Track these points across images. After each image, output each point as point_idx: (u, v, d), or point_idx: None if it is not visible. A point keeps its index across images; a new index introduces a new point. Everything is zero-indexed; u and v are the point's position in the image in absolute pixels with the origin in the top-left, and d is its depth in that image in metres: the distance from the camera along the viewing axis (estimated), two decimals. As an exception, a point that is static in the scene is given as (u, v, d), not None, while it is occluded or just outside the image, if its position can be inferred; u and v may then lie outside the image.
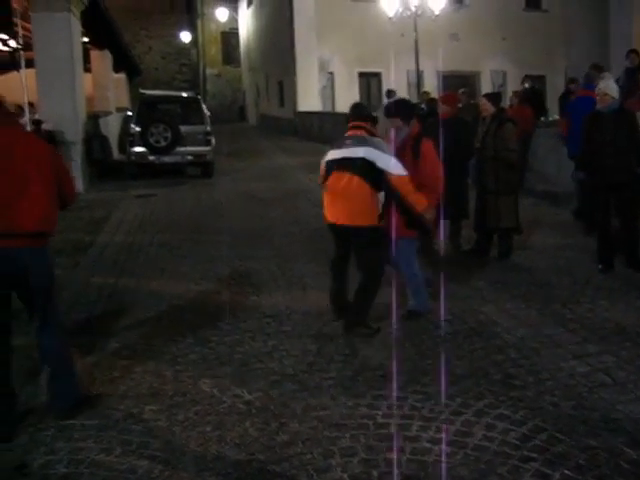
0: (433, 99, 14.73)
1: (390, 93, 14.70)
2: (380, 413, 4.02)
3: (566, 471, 3.33)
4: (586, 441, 3.62)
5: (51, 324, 4.14)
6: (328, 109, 24.94)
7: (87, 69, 17.25)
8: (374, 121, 5.56)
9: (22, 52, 13.89)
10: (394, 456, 3.52)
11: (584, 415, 3.92)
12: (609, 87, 6.91)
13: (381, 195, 5.32)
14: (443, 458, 3.50)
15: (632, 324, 5.40)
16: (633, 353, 4.82)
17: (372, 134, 5.40)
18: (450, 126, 7.76)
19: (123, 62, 23.80)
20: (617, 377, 4.44)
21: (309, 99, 24.97)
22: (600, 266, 6.91)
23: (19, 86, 13.62)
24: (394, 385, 4.36)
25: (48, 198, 4.07)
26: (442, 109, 8.07)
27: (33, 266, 4.02)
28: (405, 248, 5.56)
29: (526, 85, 13.90)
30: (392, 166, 5.13)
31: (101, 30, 17.53)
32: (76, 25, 14.31)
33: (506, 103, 13.85)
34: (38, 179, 3.97)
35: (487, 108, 7.47)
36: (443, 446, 3.60)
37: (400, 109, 5.66)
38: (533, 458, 3.47)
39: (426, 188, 5.36)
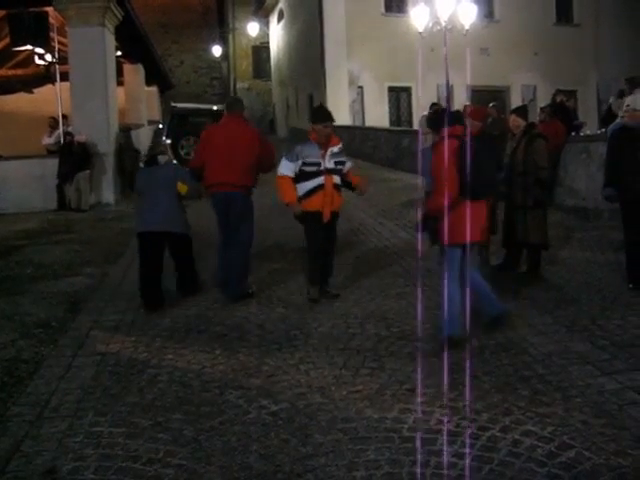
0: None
1: (434, 106, 14.74)
2: (406, 427, 4.01)
3: (594, 489, 3.30)
4: (615, 459, 3.58)
5: (242, 240, 6.94)
6: (358, 123, 24.96)
7: (120, 82, 17.49)
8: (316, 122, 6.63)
9: (57, 66, 14.19)
10: (418, 470, 3.52)
11: (613, 433, 3.87)
12: (638, 102, 6.85)
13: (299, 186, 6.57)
14: (468, 473, 3.48)
15: (662, 342, 5.33)
16: (663, 371, 4.75)
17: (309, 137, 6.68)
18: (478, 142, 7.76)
19: (155, 75, 24.13)
20: (647, 395, 4.38)
21: (339, 113, 24.85)
22: (630, 285, 6.81)
23: (54, 99, 13.90)
24: (420, 399, 4.36)
25: (253, 165, 6.94)
26: (471, 124, 8.04)
27: (241, 203, 6.94)
28: (446, 256, 5.53)
29: (561, 97, 13.78)
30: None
31: (134, 44, 17.82)
32: (110, 39, 14.56)
33: (535, 118, 13.78)
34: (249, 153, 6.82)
35: (518, 124, 7.45)
36: (468, 461, 3.59)
37: (430, 122, 5.90)
38: (560, 475, 3.43)
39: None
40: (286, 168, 6.60)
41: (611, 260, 7.99)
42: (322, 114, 6.75)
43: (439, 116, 5.85)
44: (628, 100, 7.00)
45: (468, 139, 5.35)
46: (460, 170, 5.26)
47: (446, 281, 5.44)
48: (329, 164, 6.56)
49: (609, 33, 23.46)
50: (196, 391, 4.66)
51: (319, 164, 6.52)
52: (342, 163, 6.72)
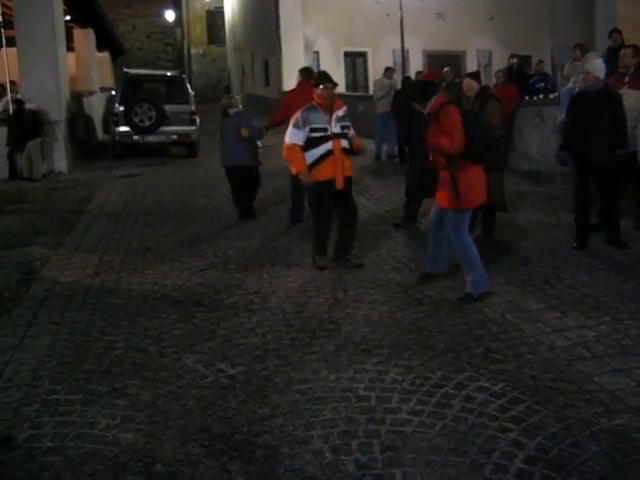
0: (408, 77, 14.80)
1: (388, 71, 14.72)
2: (361, 386, 4.08)
3: (542, 440, 3.41)
4: (563, 412, 3.70)
5: None
6: (314, 89, 24.86)
7: (70, 48, 17.08)
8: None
9: (3, 30, 13.75)
10: (374, 427, 3.59)
11: (562, 387, 4.00)
12: (593, 66, 6.94)
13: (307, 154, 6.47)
14: (422, 429, 3.57)
15: (611, 300, 5.48)
16: (611, 328, 4.90)
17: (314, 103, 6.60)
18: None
19: (106, 41, 23.59)
20: (595, 351, 4.51)
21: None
22: (575, 244, 7.00)
23: (0, 65, 13.50)
24: (375, 359, 4.43)
25: None
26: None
27: None
28: (451, 219, 5.69)
29: (514, 60, 13.87)
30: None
31: (83, 8, 17.35)
32: (58, 3, 14.17)
33: (491, 82, 13.88)
34: None
35: (472, 87, 7.49)
36: (422, 417, 3.68)
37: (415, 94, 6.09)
38: (510, 429, 3.54)
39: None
40: (295, 136, 6.45)
41: (563, 222, 8.14)
42: (323, 76, 6.68)
43: (428, 87, 6.17)
44: (585, 64, 7.07)
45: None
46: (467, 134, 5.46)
47: (463, 243, 5.66)
48: (336, 128, 6.48)
49: (563, 0, 23.57)
50: (153, 357, 4.65)
51: (326, 129, 6.43)
52: (347, 127, 6.65)
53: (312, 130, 6.41)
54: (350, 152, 6.70)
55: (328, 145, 6.42)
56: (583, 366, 4.28)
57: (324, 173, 6.44)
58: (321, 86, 6.50)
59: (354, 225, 6.85)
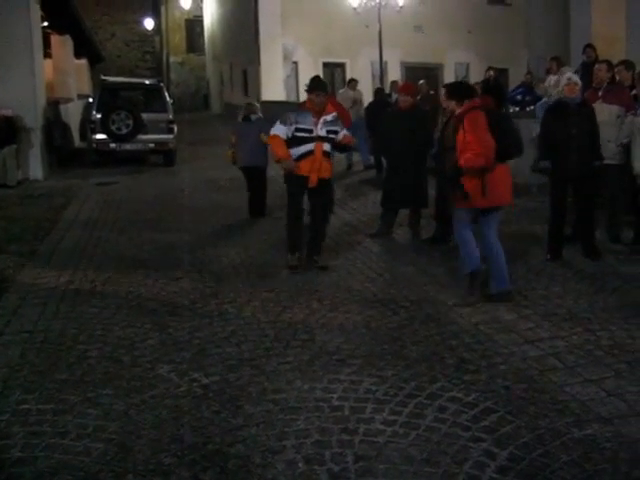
0: (381, 89, 14.90)
1: (351, 82, 14.85)
2: (335, 396, 4.08)
3: (514, 450, 3.43)
4: (534, 422, 3.73)
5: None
6: (292, 99, 24.87)
7: (47, 54, 16.93)
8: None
9: (-21, 36, 13.62)
10: (347, 437, 3.59)
11: (534, 397, 4.03)
12: (577, 78, 7.06)
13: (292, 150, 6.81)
14: (395, 439, 3.58)
15: (583, 310, 5.55)
16: (583, 338, 4.95)
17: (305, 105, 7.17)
18: (410, 116, 7.88)
19: (85, 48, 23.43)
20: (567, 361, 4.56)
21: (273, 88, 24.84)
22: (548, 255, 7.07)
23: (-24, 70, 13.35)
24: (350, 369, 4.44)
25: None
26: (401, 99, 8.15)
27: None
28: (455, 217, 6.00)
29: (491, 72, 14.01)
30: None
31: (62, 14, 17.24)
32: (35, 9, 14.07)
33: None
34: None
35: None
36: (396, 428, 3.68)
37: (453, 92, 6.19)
38: (482, 438, 3.56)
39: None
40: (279, 130, 6.87)
41: (538, 233, 8.21)
42: (315, 84, 7.11)
43: (465, 88, 6.29)
44: (569, 74, 7.18)
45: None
46: (495, 136, 5.67)
47: (491, 239, 5.95)
48: (321, 132, 6.86)
49: (539, 14, 23.86)
50: (126, 366, 4.62)
51: (311, 131, 6.82)
52: (335, 132, 6.99)
53: (297, 130, 6.80)
54: (342, 149, 7.32)
55: (310, 146, 6.80)
56: (555, 376, 4.32)
57: (301, 169, 6.81)
58: (314, 93, 6.90)
59: (324, 226, 7.26)
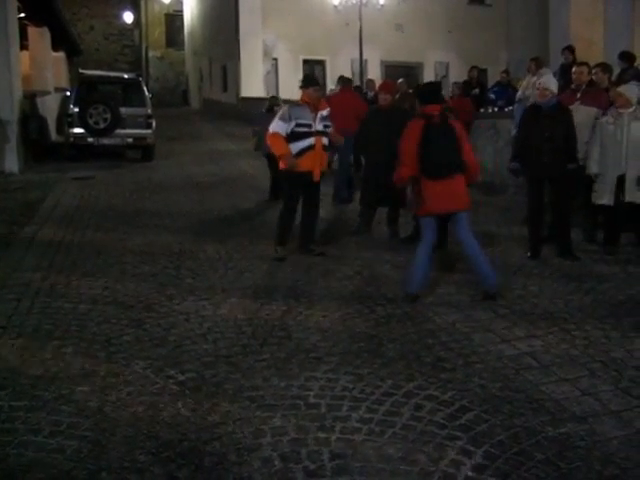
0: (358, 87, 14.92)
1: (342, 79, 14.87)
2: (312, 394, 4.07)
3: (489, 448, 3.45)
4: (510, 420, 3.75)
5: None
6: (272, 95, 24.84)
7: (24, 46, 16.72)
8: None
9: (-46, 26, 13.43)
10: (323, 435, 3.59)
11: (509, 396, 4.05)
12: (549, 82, 7.10)
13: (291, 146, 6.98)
14: (371, 437, 3.58)
15: (559, 310, 5.59)
16: (559, 338, 4.99)
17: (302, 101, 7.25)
18: (389, 115, 7.89)
19: (62, 40, 23.17)
20: (543, 360, 4.59)
21: (253, 85, 24.80)
22: (529, 253, 7.15)
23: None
24: (326, 367, 4.44)
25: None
26: (381, 98, 8.16)
27: None
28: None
29: (475, 72, 14.05)
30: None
31: (39, 5, 17.02)
32: (11, -1, 13.89)
33: (447, 94, 14.05)
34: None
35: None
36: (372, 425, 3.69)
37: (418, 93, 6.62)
38: (458, 437, 3.57)
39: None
40: (279, 127, 7.01)
41: (515, 233, 8.29)
42: (311, 79, 7.46)
43: (427, 92, 6.33)
44: (541, 79, 7.25)
45: (438, 120, 5.79)
46: (422, 150, 5.68)
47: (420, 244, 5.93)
48: (319, 126, 7.07)
49: (519, 14, 24.03)
50: (102, 362, 4.58)
51: (310, 125, 7.01)
52: (328, 127, 7.23)
53: (297, 125, 6.97)
54: (329, 147, 7.36)
55: (311, 140, 6.99)
56: (531, 375, 4.35)
57: (303, 165, 6.97)
58: (312, 88, 7.13)
59: (317, 214, 7.45)
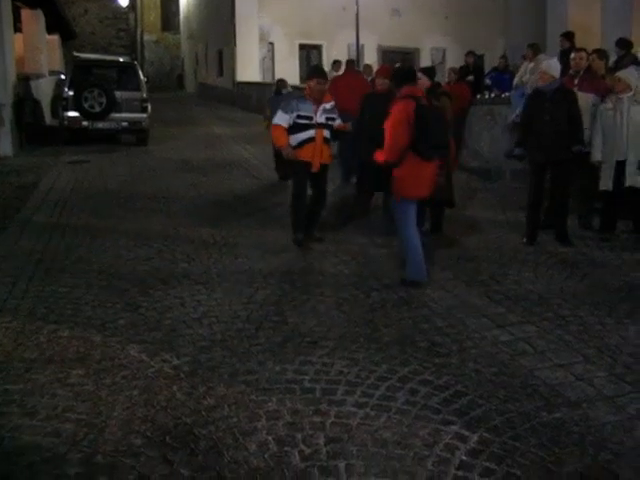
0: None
1: (336, 63, 14.83)
2: (307, 378, 4.07)
3: (484, 433, 3.46)
4: (505, 405, 3.76)
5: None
6: (268, 80, 24.71)
7: (18, 29, 16.59)
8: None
9: (-53, 8, 13.31)
10: (319, 419, 3.59)
11: (504, 381, 4.07)
12: (550, 66, 7.09)
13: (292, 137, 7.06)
14: (366, 421, 3.59)
15: (554, 296, 5.61)
16: (553, 323, 5.00)
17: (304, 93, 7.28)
18: (387, 99, 7.83)
19: (57, 23, 23.00)
20: (537, 346, 4.60)
21: (248, 69, 24.68)
22: (525, 239, 7.16)
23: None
24: (322, 351, 4.44)
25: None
26: (379, 82, 8.11)
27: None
28: (397, 209, 5.94)
29: (471, 57, 13.98)
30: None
31: (33, -12, 16.89)
32: (6, -19, 13.77)
33: (444, 79, 14.01)
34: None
35: (423, 82, 7.52)
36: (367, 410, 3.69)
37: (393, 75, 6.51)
38: (453, 421, 3.58)
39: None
40: (281, 119, 7.10)
41: (511, 219, 8.29)
42: (316, 71, 7.52)
43: (403, 73, 6.26)
44: (542, 64, 7.26)
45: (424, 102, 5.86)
46: (416, 131, 5.66)
47: (401, 229, 5.90)
48: (320, 119, 7.11)
49: (517, 0, 23.92)
50: (97, 346, 4.57)
51: (311, 118, 7.06)
52: (333, 119, 7.24)
53: (298, 117, 7.03)
54: (333, 139, 7.40)
55: (311, 132, 7.04)
56: (525, 361, 4.36)
57: (303, 155, 7.06)
58: (314, 80, 7.11)
59: (322, 204, 7.48)
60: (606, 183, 7.20)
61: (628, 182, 7.05)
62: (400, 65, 7.01)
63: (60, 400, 3.83)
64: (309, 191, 7.34)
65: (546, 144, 6.90)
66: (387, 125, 5.83)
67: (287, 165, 7.51)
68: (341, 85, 10.54)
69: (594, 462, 3.24)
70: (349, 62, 12.35)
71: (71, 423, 3.58)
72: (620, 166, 7.08)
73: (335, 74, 14.46)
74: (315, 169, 7.11)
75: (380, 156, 5.88)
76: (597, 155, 7.21)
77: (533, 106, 7.09)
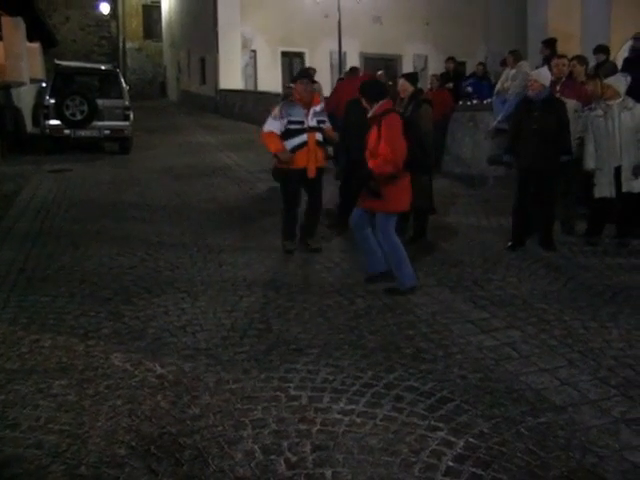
0: (341, 78, 15.02)
1: (308, 70, 14.84)
2: (292, 386, 4.06)
3: (470, 439, 3.46)
4: (490, 410, 3.76)
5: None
6: (250, 88, 24.69)
7: (-2, 37, 16.48)
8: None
9: None
10: (304, 427, 3.58)
11: (490, 386, 4.07)
12: (540, 75, 7.14)
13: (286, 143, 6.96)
14: (352, 428, 3.57)
15: (538, 301, 5.63)
16: (538, 328, 5.02)
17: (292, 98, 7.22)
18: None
19: (38, 31, 22.87)
20: (522, 351, 4.62)
21: (231, 77, 24.64)
22: (510, 243, 7.18)
23: None
24: (307, 358, 4.42)
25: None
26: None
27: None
28: (381, 222, 5.85)
29: (451, 64, 14.00)
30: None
31: (13, -5, 16.76)
32: (-14, -11, 13.65)
33: (426, 86, 14.06)
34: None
35: (406, 88, 7.55)
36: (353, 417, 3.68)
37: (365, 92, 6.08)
38: (439, 427, 3.58)
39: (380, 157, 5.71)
40: (272, 125, 7.03)
41: (494, 225, 8.33)
42: (302, 72, 7.70)
43: (377, 88, 6.10)
44: (533, 72, 7.31)
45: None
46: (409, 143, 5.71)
47: (388, 241, 5.83)
48: (312, 122, 7.06)
49: (498, 7, 24.10)
50: (80, 356, 4.53)
51: (303, 122, 7.00)
52: (323, 122, 7.20)
53: (290, 122, 6.98)
54: (324, 143, 7.27)
55: (304, 137, 6.97)
56: (510, 366, 4.37)
57: (298, 162, 6.96)
58: (300, 81, 7.11)
59: (320, 211, 7.38)
60: (604, 190, 7.19)
61: (624, 188, 7.09)
62: (367, 80, 6.94)
63: (43, 411, 3.79)
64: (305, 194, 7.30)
65: (533, 152, 6.94)
66: (386, 137, 5.67)
67: (280, 174, 7.36)
68: (340, 90, 10.97)
69: (580, 466, 3.25)
70: (352, 69, 12.85)
71: (54, 434, 3.54)
72: (615, 172, 7.12)
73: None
74: (311, 174, 7.02)
75: (383, 168, 5.68)
76: (590, 163, 7.22)
77: (522, 114, 7.14)
